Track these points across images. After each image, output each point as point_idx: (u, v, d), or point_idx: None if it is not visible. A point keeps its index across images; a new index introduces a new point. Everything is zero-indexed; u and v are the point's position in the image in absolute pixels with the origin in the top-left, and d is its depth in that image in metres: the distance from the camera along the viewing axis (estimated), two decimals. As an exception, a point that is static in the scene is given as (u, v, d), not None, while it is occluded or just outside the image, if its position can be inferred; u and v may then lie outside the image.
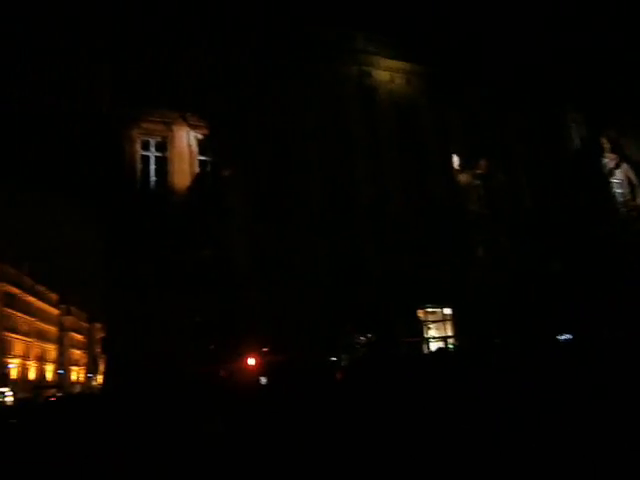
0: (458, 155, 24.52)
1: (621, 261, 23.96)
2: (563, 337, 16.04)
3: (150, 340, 16.12)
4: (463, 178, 24.23)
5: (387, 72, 23.85)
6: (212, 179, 20.44)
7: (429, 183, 23.43)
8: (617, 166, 28.78)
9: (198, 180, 20.07)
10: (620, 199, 28.23)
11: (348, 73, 22.83)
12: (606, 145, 29.22)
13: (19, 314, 58.90)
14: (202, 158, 20.71)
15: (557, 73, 26.89)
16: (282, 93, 20.27)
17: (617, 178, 28.82)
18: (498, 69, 25.55)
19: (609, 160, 28.82)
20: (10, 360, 55.37)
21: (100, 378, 54.45)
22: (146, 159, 19.69)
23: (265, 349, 15.35)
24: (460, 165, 24.40)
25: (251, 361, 14.43)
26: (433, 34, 24.86)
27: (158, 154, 19.92)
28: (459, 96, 24.62)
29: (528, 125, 26.72)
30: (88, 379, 72.70)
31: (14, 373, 53.32)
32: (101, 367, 51.44)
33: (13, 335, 56.80)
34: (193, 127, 20.20)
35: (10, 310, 56.48)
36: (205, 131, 20.30)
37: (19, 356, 58.02)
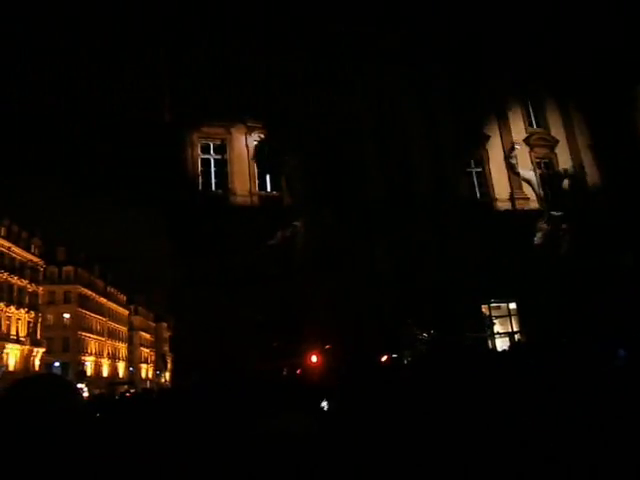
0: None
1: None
2: None
3: (215, 338, 16.61)
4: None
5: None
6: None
7: (489, 178, 22.98)
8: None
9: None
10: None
11: (399, 70, 22.66)
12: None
13: (92, 314, 62.12)
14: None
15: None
16: (336, 94, 20.38)
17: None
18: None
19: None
20: (85, 358, 58.48)
21: (168, 375, 56.56)
22: (207, 162, 20.23)
23: (328, 346, 15.45)
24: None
25: (314, 358, 14.55)
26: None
27: (218, 157, 20.38)
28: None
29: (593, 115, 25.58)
30: (157, 376, 75.72)
31: (89, 370, 56.32)
32: (169, 365, 53.38)
33: (87, 334, 59.97)
34: (251, 129, 20.58)
35: (84, 311, 59.66)
36: (262, 133, 20.65)
37: (93, 354, 61.21)
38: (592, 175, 24.39)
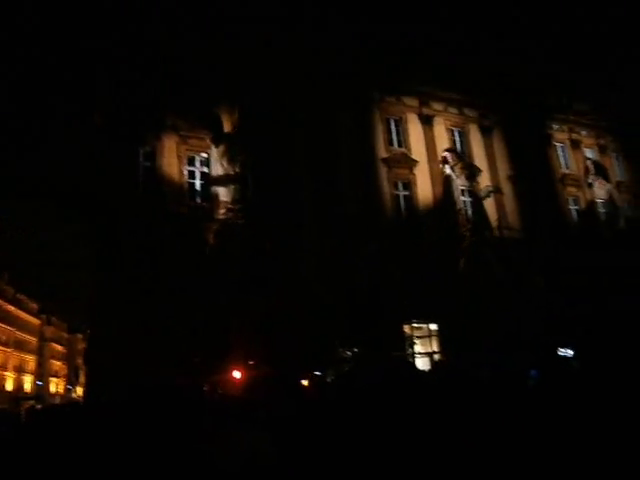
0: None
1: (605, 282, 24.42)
2: (564, 352, 16.29)
3: (135, 351, 15.89)
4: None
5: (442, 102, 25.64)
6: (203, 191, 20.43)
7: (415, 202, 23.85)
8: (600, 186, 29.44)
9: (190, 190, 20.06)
10: (604, 219, 28.82)
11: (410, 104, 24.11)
12: (590, 166, 29.92)
13: (-2, 323, 57.86)
14: (190, 169, 20.62)
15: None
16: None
17: (601, 198, 29.45)
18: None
19: (594, 181, 29.46)
20: (-13, 370, 54.22)
21: (80, 390, 53.48)
22: (137, 168, 19.46)
23: (251, 362, 15.21)
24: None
25: (236, 374, 14.26)
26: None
27: (147, 164, 19.74)
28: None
29: (515, 141, 27.29)
30: (68, 391, 71.42)
31: (-9, 384, 52.25)
32: (82, 379, 50.56)
33: (-9, 345, 55.73)
34: (184, 138, 20.16)
35: (-11, 319, 55.50)
36: (199, 144, 20.32)
37: (-4, 366, 56.90)
38: (509, 203, 25.90)
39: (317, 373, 16.32)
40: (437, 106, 25.71)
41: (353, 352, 18.60)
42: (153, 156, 19.79)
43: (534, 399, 5.47)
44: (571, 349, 17.24)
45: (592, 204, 29.01)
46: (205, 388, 14.63)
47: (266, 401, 7.06)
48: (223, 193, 20.17)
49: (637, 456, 4.04)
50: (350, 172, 22.13)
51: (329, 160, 21.97)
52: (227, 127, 20.83)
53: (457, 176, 25.10)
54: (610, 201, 29.70)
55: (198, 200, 20.19)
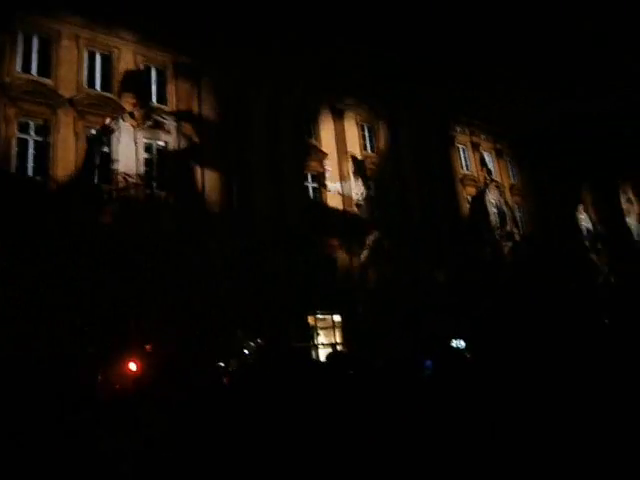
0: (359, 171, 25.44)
1: (495, 277, 26.23)
2: (456, 343, 17.21)
3: (25, 343, 14.64)
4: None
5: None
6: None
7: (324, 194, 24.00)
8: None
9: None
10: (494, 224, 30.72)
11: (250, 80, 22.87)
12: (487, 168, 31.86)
13: None
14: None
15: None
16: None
17: (494, 199, 31.44)
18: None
19: (489, 182, 31.38)
20: None
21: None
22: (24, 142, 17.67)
23: (148, 347, 14.59)
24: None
25: (132, 366, 13.58)
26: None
27: (39, 139, 17.99)
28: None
29: (421, 140, 28.37)
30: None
31: None
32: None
33: None
34: (82, 114, 18.80)
35: None
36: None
37: None
38: (413, 200, 26.90)
39: (221, 364, 16.05)
40: (349, 100, 25.96)
41: (257, 343, 18.46)
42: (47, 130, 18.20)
43: (427, 388, 5.66)
44: (463, 341, 18.34)
45: (487, 204, 30.86)
46: (99, 381, 13.85)
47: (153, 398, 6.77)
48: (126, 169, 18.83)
49: (527, 443, 4.26)
50: (260, 166, 21.88)
51: (245, 155, 21.67)
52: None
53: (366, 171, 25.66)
54: (503, 202, 31.81)
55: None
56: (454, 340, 18.45)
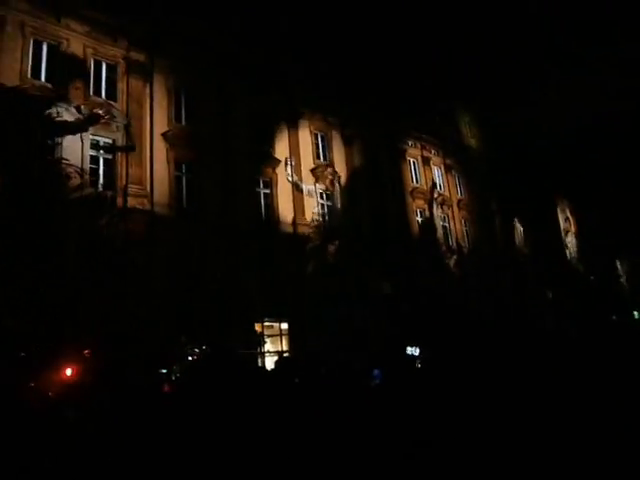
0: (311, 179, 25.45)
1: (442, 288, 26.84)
2: (411, 351, 17.46)
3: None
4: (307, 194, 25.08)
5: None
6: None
7: (276, 201, 23.82)
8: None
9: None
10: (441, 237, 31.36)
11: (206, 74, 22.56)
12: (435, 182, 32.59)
13: None
14: None
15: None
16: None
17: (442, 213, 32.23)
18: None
19: (437, 196, 32.15)
20: None
21: None
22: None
23: (86, 352, 13.96)
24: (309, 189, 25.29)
25: (68, 371, 12.92)
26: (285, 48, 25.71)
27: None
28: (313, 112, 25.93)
29: (373, 151, 28.77)
30: None
31: None
32: None
33: None
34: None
35: None
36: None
37: None
38: (364, 211, 27.15)
39: (163, 371, 15.54)
40: (304, 108, 25.99)
41: (201, 349, 18.02)
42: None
43: (373, 396, 5.66)
44: (417, 348, 18.69)
45: (434, 218, 31.55)
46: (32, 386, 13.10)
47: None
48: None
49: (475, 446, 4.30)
50: (211, 167, 21.52)
51: (196, 155, 21.30)
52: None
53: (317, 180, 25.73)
54: (451, 216, 32.68)
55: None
56: (409, 348, 18.76)
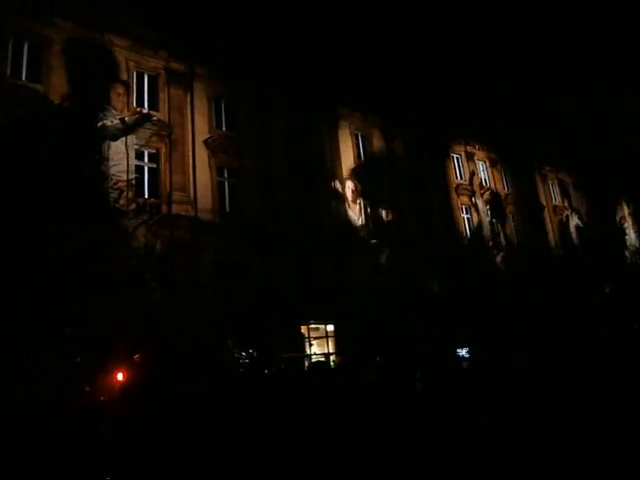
0: (352, 179, 25.22)
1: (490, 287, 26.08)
2: (462, 353, 17.05)
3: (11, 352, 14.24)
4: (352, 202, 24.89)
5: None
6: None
7: (318, 203, 23.66)
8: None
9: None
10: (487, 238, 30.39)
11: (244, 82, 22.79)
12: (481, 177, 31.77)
13: None
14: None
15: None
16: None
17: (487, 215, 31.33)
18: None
19: (484, 191, 31.30)
20: None
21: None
22: None
23: (136, 357, 14.27)
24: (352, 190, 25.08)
25: (120, 376, 13.25)
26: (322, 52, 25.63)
27: None
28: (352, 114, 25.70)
29: (416, 149, 28.30)
30: None
31: None
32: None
33: None
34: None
35: None
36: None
37: None
38: (408, 207, 26.74)
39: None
40: (343, 110, 25.87)
41: (248, 353, 18.14)
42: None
43: (417, 404, 5.48)
44: (466, 350, 18.20)
45: (480, 213, 30.70)
46: (87, 390, 13.49)
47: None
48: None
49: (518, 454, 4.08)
50: (252, 172, 21.73)
51: (238, 160, 21.60)
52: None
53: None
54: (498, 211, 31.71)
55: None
56: (459, 350, 18.31)
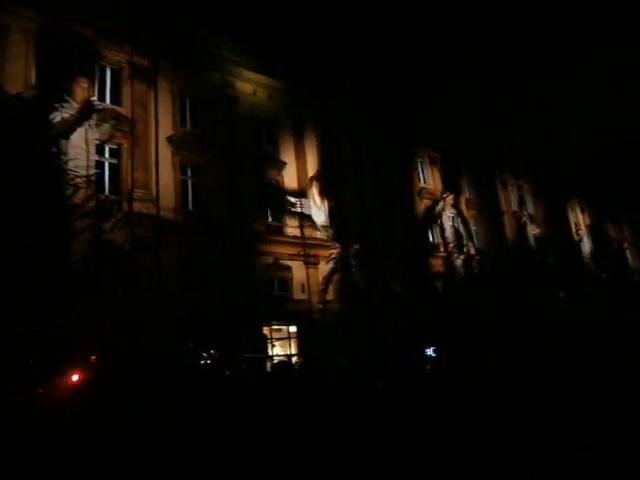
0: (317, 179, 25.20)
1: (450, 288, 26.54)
2: (429, 352, 17.25)
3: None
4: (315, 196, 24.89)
5: (250, 85, 23.93)
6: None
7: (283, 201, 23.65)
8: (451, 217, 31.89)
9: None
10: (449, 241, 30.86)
11: (210, 79, 22.53)
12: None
13: None
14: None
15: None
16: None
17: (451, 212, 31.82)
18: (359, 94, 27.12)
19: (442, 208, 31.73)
20: None
21: None
22: None
23: (93, 358, 13.87)
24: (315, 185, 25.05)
25: (74, 377, 12.82)
26: (295, 52, 25.63)
27: None
28: (319, 115, 25.68)
29: (381, 153, 28.50)
30: None
31: None
32: None
33: None
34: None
35: None
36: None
37: None
38: (370, 213, 26.94)
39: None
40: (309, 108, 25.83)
41: (210, 353, 17.88)
42: None
43: (376, 404, 5.50)
44: (432, 349, 18.47)
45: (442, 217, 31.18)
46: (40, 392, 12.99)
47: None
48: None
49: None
50: (216, 169, 21.48)
51: (200, 158, 21.28)
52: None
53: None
54: (459, 215, 32.28)
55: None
56: (426, 349, 18.54)
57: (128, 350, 14.56)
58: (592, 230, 44.43)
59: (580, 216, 44.74)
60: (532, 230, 37.92)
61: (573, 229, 43.15)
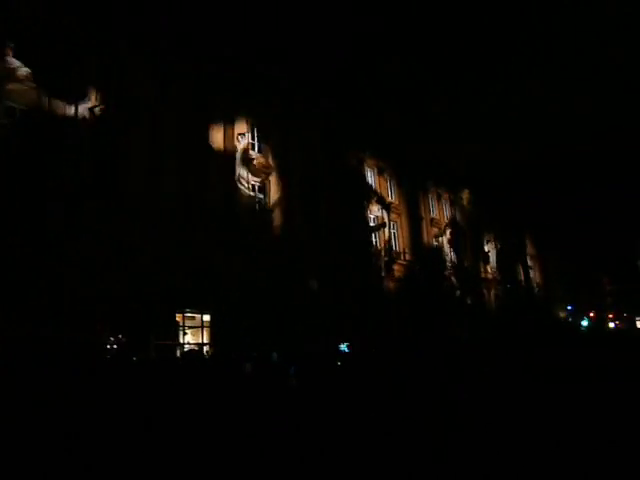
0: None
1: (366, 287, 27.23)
2: (342, 347, 17.60)
3: None
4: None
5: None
6: None
7: (210, 194, 23.07)
8: (383, 225, 32.70)
9: None
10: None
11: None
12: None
13: None
14: None
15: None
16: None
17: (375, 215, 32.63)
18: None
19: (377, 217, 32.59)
20: None
21: None
22: None
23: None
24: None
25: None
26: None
27: None
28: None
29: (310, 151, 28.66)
30: None
31: None
32: None
33: None
34: None
35: None
36: None
37: None
38: (298, 213, 27.01)
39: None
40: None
41: (117, 338, 17.18)
42: None
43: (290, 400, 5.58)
44: (346, 345, 18.91)
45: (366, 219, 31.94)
46: None
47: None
48: None
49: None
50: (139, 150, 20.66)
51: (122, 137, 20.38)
52: None
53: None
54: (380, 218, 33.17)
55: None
56: (340, 345, 18.93)
57: (31, 334, 13.77)
58: (496, 247, 47.10)
59: (492, 235, 47.16)
60: (447, 239, 39.69)
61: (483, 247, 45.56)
